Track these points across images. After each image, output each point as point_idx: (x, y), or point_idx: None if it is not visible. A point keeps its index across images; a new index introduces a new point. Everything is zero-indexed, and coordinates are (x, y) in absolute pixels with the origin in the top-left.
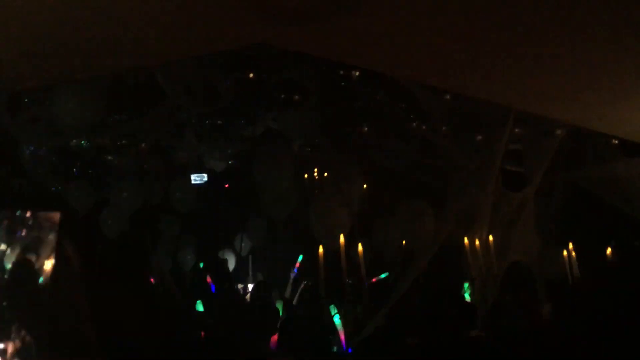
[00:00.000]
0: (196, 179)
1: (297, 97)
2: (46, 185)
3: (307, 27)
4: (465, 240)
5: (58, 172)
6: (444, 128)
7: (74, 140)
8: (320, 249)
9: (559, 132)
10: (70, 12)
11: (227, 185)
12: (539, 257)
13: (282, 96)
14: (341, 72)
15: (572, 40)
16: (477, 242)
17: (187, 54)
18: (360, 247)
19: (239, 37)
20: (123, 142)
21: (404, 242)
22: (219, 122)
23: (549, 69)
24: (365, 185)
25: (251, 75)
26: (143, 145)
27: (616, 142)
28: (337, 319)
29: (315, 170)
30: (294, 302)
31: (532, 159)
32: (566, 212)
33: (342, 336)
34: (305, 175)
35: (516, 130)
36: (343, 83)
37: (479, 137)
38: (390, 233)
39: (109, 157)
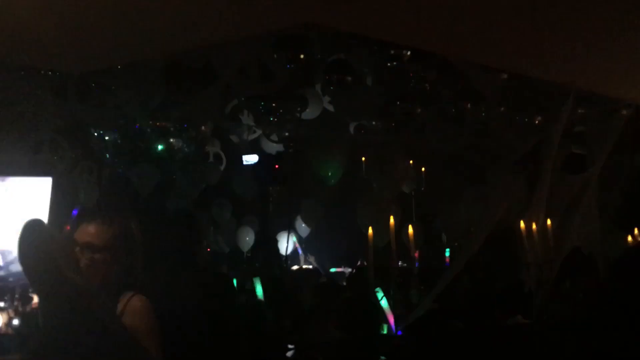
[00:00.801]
0: (247, 159)
1: (349, 78)
2: (113, 168)
3: (354, 6)
4: (522, 224)
5: (123, 154)
6: (501, 109)
7: (138, 124)
8: (370, 231)
9: (624, 112)
10: None
11: (277, 167)
12: (601, 242)
13: (335, 77)
14: (392, 52)
15: (633, 14)
16: (534, 227)
17: (236, 35)
18: (410, 229)
19: (286, 17)
20: (184, 125)
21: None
22: (274, 104)
23: (611, 45)
24: (423, 169)
25: (302, 56)
26: (203, 128)
27: None
28: (385, 302)
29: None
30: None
31: (596, 141)
32: (631, 196)
33: (392, 319)
34: (363, 158)
35: (579, 110)
36: (395, 63)
37: (538, 119)
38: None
39: (171, 140)
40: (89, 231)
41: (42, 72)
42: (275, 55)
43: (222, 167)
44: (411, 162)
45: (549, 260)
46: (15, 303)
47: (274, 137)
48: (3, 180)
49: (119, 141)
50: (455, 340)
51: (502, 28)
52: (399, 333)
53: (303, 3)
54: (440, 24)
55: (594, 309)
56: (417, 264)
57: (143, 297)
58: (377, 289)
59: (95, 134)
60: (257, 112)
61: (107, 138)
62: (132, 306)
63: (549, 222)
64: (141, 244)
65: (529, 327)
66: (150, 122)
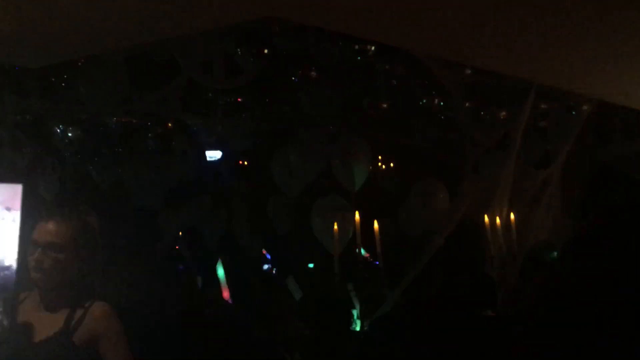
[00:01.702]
0: (211, 156)
1: (314, 73)
2: (74, 164)
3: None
4: (486, 218)
5: (86, 150)
6: (466, 104)
7: (101, 119)
8: (335, 226)
9: (585, 107)
10: None
11: (241, 162)
12: (565, 236)
13: (300, 72)
14: (356, 47)
15: (597, 9)
16: (497, 221)
17: (198, 28)
18: (376, 224)
19: (247, 10)
20: (149, 121)
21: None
22: (240, 99)
23: (573, 41)
24: (391, 164)
25: (266, 50)
26: (169, 124)
27: None
28: (354, 297)
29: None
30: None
31: (557, 136)
32: (594, 189)
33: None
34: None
35: (542, 106)
36: (359, 58)
37: (502, 113)
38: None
39: (136, 136)
40: (49, 230)
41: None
42: (238, 50)
43: (189, 163)
44: (380, 157)
45: (512, 253)
46: None
47: (238, 133)
48: None
49: (81, 137)
50: (423, 334)
51: (466, 23)
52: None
53: None
54: (404, 18)
55: (543, 301)
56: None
57: (103, 304)
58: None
59: (57, 129)
60: (222, 107)
61: (68, 134)
62: (96, 313)
63: (512, 216)
64: (100, 240)
65: (496, 320)
66: (114, 117)
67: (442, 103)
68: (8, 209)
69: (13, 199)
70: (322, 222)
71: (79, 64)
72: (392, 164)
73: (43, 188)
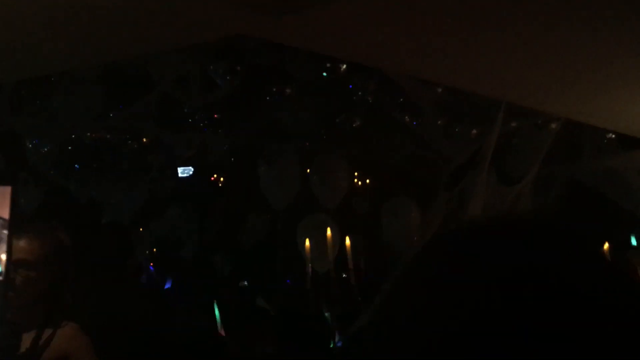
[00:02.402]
0: (182, 172)
1: (288, 90)
2: (48, 179)
3: (284, 18)
4: None
5: (61, 165)
6: (438, 122)
7: (75, 134)
8: (307, 243)
9: (553, 125)
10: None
11: (213, 178)
12: None
13: (274, 89)
14: (328, 65)
15: (565, 31)
16: None
17: (171, 45)
18: (347, 240)
19: (217, 28)
20: (125, 136)
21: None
22: (216, 115)
23: (540, 61)
24: (367, 181)
25: (238, 67)
26: (145, 140)
27: (613, 136)
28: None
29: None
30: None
31: (527, 153)
32: (563, 206)
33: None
34: (308, 170)
35: (512, 124)
36: (332, 76)
37: (474, 131)
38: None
39: (111, 151)
40: (20, 247)
41: None
42: (211, 66)
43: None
44: (355, 173)
45: None
46: None
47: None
48: None
49: (55, 151)
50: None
51: (436, 42)
52: (339, 344)
53: (232, 15)
54: (372, 38)
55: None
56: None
57: (72, 324)
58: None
59: (30, 144)
60: (198, 121)
61: (43, 149)
62: (67, 333)
63: None
64: (73, 256)
65: None
66: (88, 132)
67: (414, 121)
68: None
69: (1, 204)
70: (309, 239)
71: (52, 79)
72: (366, 181)
73: (24, 202)
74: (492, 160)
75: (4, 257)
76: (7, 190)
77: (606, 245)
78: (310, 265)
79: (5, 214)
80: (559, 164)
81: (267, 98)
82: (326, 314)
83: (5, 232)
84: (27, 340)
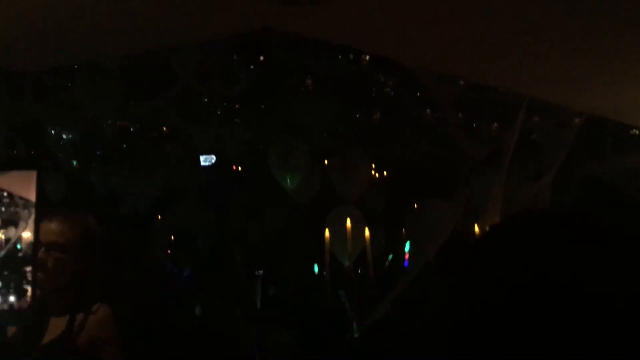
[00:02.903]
0: (205, 160)
1: (309, 82)
2: (70, 168)
3: (309, 10)
4: (476, 228)
5: (82, 155)
6: (459, 115)
7: (97, 124)
8: (327, 233)
9: (576, 121)
10: None
11: (234, 168)
12: None
13: (295, 83)
14: (351, 57)
15: (588, 25)
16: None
17: (195, 38)
18: (367, 232)
19: (241, 21)
20: (144, 126)
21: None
22: (237, 107)
23: (563, 55)
24: (385, 173)
25: (262, 59)
26: (164, 129)
27: (637, 132)
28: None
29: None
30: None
31: (549, 150)
32: (584, 204)
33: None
34: (326, 162)
35: (534, 119)
36: (354, 69)
37: (494, 126)
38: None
39: (131, 141)
40: (52, 229)
41: None
42: (235, 58)
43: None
44: (373, 166)
45: None
46: None
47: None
48: None
49: (77, 140)
50: (413, 342)
51: (459, 37)
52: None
53: (260, 7)
54: (398, 30)
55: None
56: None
57: (106, 307)
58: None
59: (53, 132)
60: (219, 114)
61: (64, 137)
62: (98, 316)
63: None
64: (102, 242)
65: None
66: (110, 121)
67: (434, 116)
68: (22, 198)
69: (28, 188)
70: (336, 231)
71: (76, 68)
72: (384, 176)
73: (49, 190)
74: (513, 157)
75: (25, 235)
76: (32, 174)
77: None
78: (328, 256)
79: (32, 197)
80: (581, 161)
81: (288, 92)
82: (345, 305)
83: (27, 212)
84: (58, 324)
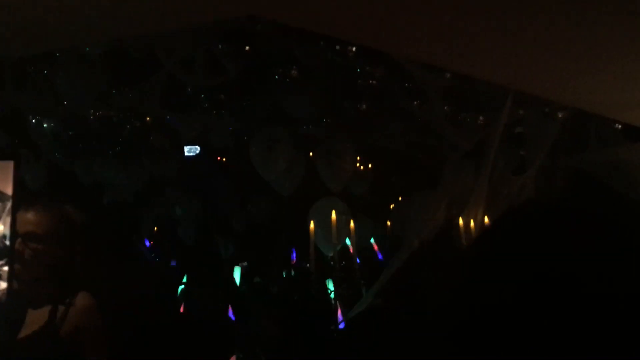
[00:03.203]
0: (189, 151)
1: (295, 73)
2: (50, 157)
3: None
4: (460, 220)
5: (63, 144)
6: (445, 108)
7: (79, 113)
8: (312, 225)
9: (560, 114)
10: None
11: (219, 159)
12: None
13: (280, 71)
14: (337, 48)
15: (572, 19)
16: (471, 223)
17: (180, 25)
18: (352, 224)
19: (229, 8)
20: (127, 115)
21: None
22: (221, 97)
23: (548, 49)
24: (370, 165)
25: (247, 48)
26: (147, 118)
27: (619, 126)
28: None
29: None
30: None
31: (534, 142)
32: (568, 196)
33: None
34: (311, 154)
35: (520, 112)
36: (340, 60)
37: (480, 118)
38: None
39: (114, 130)
40: (29, 219)
41: None
42: (220, 47)
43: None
44: (358, 158)
45: None
46: None
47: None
48: None
49: (58, 129)
50: (397, 333)
51: (446, 28)
52: (341, 326)
53: None
54: (385, 21)
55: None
56: (357, 260)
57: (88, 294)
58: (328, 281)
59: (34, 121)
60: (203, 103)
61: (45, 126)
62: (80, 305)
63: (486, 219)
64: (82, 232)
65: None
66: (92, 110)
67: (421, 107)
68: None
69: (5, 179)
70: (321, 222)
71: (57, 55)
72: (369, 167)
73: (29, 179)
74: (498, 149)
75: (0, 228)
76: (9, 165)
77: None
78: (313, 247)
79: (8, 189)
80: (564, 154)
81: (273, 81)
82: (330, 296)
83: (1, 205)
84: (40, 316)
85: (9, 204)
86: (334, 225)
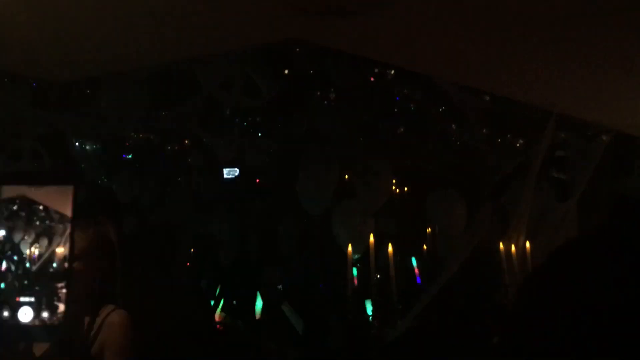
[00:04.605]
0: (228, 173)
1: (333, 95)
2: (92, 178)
3: (339, 23)
4: (501, 245)
5: (105, 165)
6: (483, 130)
7: (120, 135)
8: (350, 248)
9: (604, 137)
10: (106, 3)
11: (257, 181)
12: None
13: (319, 94)
14: (376, 71)
15: (615, 41)
16: (513, 249)
17: (221, 49)
18: (390, 247)
19: (271, 32)
20: (167, 137)
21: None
22: (258, 119)
23: (590, 70)
24: (405, 188)
25: (286, 71)
26: (186, 141)
27: None
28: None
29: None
30: None
31: (577, 166)
32: (611, 220)
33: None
34: (347, 177)
35: (562, 135)
36: (378, 82)
37: (521, 141)
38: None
39: (154, 152)
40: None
41: (24, 79)
42: (259, 70)
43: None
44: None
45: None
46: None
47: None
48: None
49: (100, 151)
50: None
51: (486, 50)
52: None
53: (288, 19)
54: (424, 44)
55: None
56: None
57: (123, 312)
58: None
59: (76, 143)
60: (241, 125)
61: (87, 147)
62: (110, 321)
63: (527, 244)
64: (120, 251)
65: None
66: (133, 133)
67: (459, 130)
68: (57, 212)
69: (64, 202)
70: (343, 222)
71: (100, 78)
72: (407, 189)
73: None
74: (542, 173)
75: (58, 250)
76: (69, 189)
77: None
78: (351, 269)
79: (68, 211)
80: (608, 179)
81: (310, 103)
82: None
83: (62, 227)
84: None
85: (68, 227)
86: (372, 249)
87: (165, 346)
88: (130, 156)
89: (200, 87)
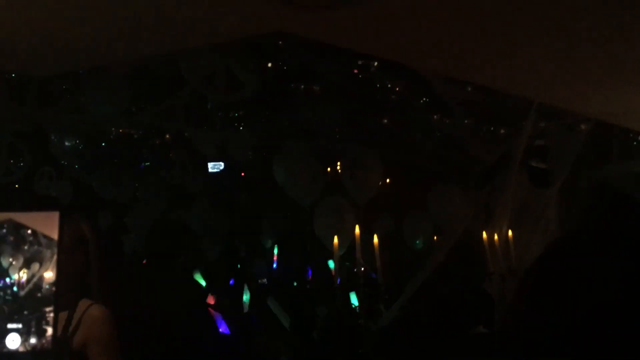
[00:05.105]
0: (213, 167)
1: (317, 88)
2: (73, 174)
3: (322, 14)
4: (484, 234)
5: (86, 161)
6: (466, 121)
7: (101, 130)
8: (335, 240)
9: (583, 126)
10: None
11: (243, 174)
12: None
13: (302, 87)
14: (360, 63)
15: (595, 30)
16: (496, 237)
17: (205, 42)
18: (375, 238)
19: (255, 24)
20: (148, 132)
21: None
22: (242, 112)
23: (570, 60)
24: (388, 180)
25: (270, 64)
26: (167, 136)
27: None
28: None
29: (338, 163)
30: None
31: (557, 155)
32: (591, 209)
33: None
34: (328, 169)
35: (542, 124)
36: (362, 74)
37: (502, 131)
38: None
39: (136, 148)
40: None
41: (1, 73)
42: (243, 63)
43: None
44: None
45: (511, 270)
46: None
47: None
48: None
49: (81, 147)
50: (419, 349)
51: (468, 41)
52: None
53: (273, 11)
54: (407, 35)
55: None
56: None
57: (101, 307)
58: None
59: (56, 139)
60: (225, 119)
61: (67, 144)
62: (89, 316)
63: (510, 233)
64: (96, 247)
65: (490, 337)
66: (114, 128)
67: (443, 120)
68: (45, 236)
69: (51, 227)
70: (325, 221)
71: (80, 74)
72: (392, 180)
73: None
74: (522, 162)
75: (47, 275)
76: (55, 215)
77: None
78: (338, 261)
79: (55, 236)
80: (588, 167)
81: (294, 96)
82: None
83: (49, 252)
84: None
85: (55, 252)
86: (358, 241)
87: (148, 342)
88: (110, 152)
89: (184, 81)
